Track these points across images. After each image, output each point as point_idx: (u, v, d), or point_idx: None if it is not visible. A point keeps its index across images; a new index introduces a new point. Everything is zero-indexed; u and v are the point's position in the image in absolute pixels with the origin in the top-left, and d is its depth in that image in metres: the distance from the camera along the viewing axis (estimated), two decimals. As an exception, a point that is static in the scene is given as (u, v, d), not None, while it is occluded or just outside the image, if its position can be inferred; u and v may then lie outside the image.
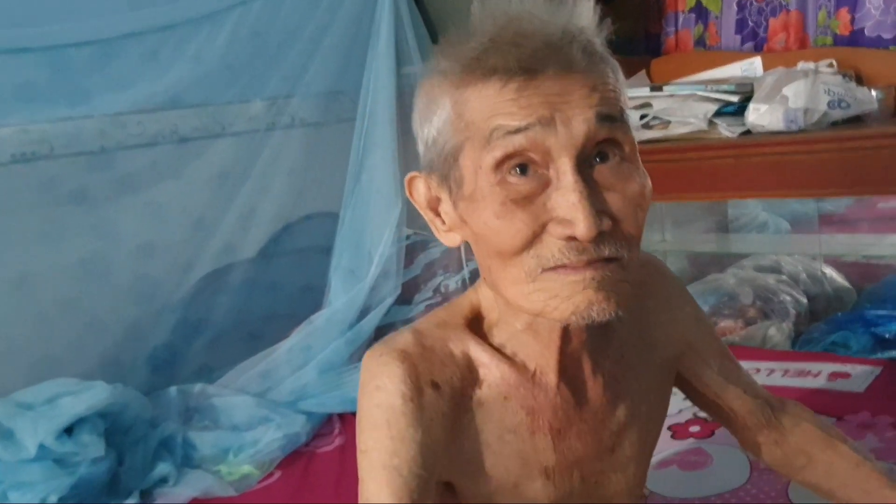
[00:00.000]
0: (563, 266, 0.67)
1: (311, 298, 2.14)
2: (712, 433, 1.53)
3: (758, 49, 2.27)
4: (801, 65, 2.01)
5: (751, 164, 1.88)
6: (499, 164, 0.67)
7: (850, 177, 1.78)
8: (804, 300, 2.13)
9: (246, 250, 2.17)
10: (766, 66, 2.10)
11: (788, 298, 2.10)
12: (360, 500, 0.74)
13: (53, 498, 1.44)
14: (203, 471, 1.63)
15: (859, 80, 1.99)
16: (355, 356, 1.98)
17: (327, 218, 2.27)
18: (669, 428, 1.57)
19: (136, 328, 1.94)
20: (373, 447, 0.73)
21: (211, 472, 1.63)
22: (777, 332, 2.00)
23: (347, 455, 1.71)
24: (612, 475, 0.86)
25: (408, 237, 2.24)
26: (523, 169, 0.67)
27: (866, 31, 2.06)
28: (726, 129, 1.91)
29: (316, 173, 2.28)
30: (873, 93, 1.93)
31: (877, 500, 0.98)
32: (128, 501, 1.54)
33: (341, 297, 2.07)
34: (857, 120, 1.89)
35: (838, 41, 2.11)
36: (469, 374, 0.78)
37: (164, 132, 2.02)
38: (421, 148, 0.76)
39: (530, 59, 0.66)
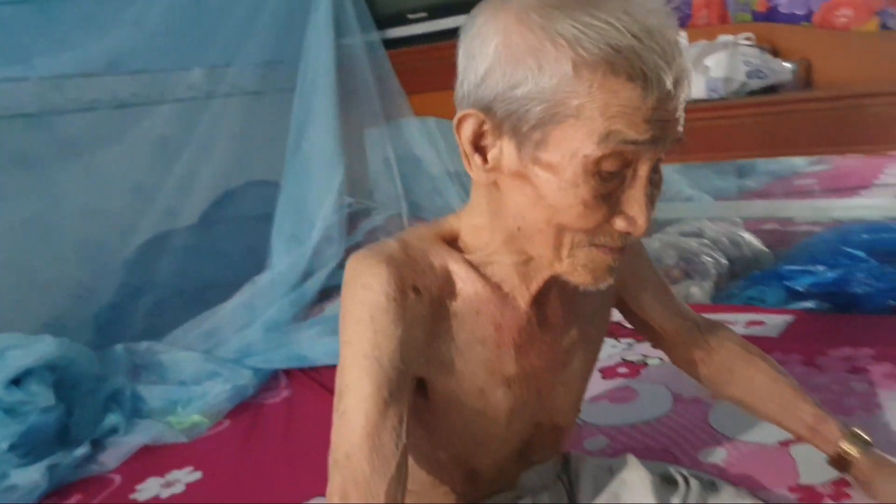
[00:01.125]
0: (603, 246, 0.77)
1: (254, 263, 2.18)
2: (638, 373, 1.63)
3: (683, 25, 2.37)
4: (721, 38, 2.11)
5: (675, 130, 1.99)
6: (600, 162, 0.71)
7: (766, 140, 1.91)
8: (724, 262, 2.26)
9: (187, 216, 2.19)
10: (691, 40, 2.20)
11: (710, 260, 2.22)
12: (338, 385, 0.79)
13: (4, 445, 1.46)
14: (153, 420, 1.66)
15: (775, 53, 2.10)
16: (299, 316, 2.03)
17: (268, 186, 2.30)
18: (600, 370, 1.67)
19: (79, 290, 1.95)
20: (356, 339, 0.78)
21: (161, 422, 1.66)
22: (699, 290, 2.12)
23: (295, 407, 1.76)
24: (561, 388, 0.95)
25: (350, 205, 2.29)
26: (613, 173, 0.73)
27: (781, 9, 2.18)
28: (652, 98, 2.01)
29: (256, 141, 2.31)
30: (787, 65, 2.04)
31: (791, 411, 1.09)
32: (79, 450, 1.56)
33: (284, 260, 2.11)
34: (772, 89, 2.00)
35: (756, 17, 2.22)
36: (447, 286, 0.84)
37: (104, 97, 2.04)
38: (479, 79, 0.74)
39: (675, 82, 0.69)
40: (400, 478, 0.76)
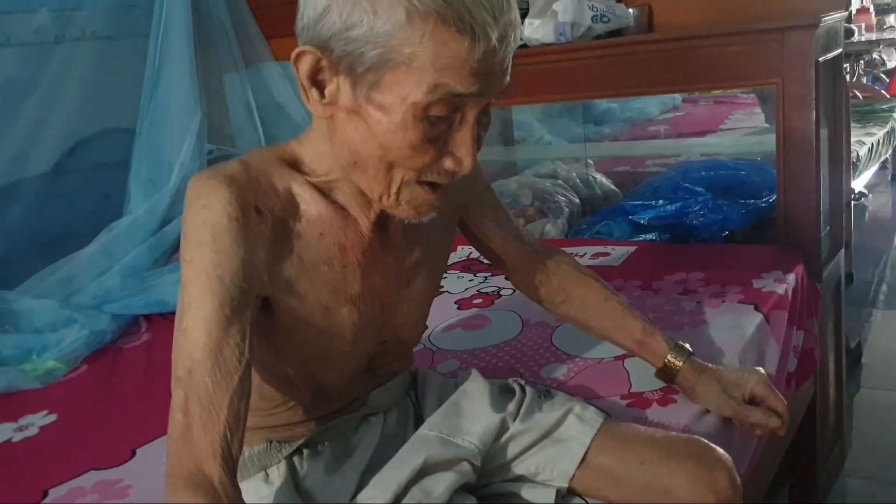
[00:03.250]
0: (429, 183, 0.82)
1: (110, 211, 2.13)
2: (492, 303, 1.72)
3: (533, -27, 2.45)
4: (569, -16, 2.20)
5: (527, 73, 2.05)
6: (429, 108, 0.76)
7: (611, 81, 2.01)
8: (577, 200, 2.37)
9: (38, 164, 2.11)
10: (540, -13, 2.28)
11: (563, 199, 2.33)
12: (179, 304, 0.80)
13: None
14: (5, 368, 1.62)
15: None
16: (159, 262, 2.01)
17: (123, 133, 2.24)
18: (455, 302, 1.74)
19: (-77, 238, 1.88)
20: (198, 259, 0.78)
21: (14, 369, 1.63)
22: (553, 228, 2.23)
23: (154, 350, 1.76)
24: (405, 306, 1.00)
25: (210, 151, 2.27)
26: (442, 117, 0.77)
27: (626, -42, 2.29)
28: (505, 42, 2.07)
29: (110, 88, 2.24)
30: (630, 10, 2.14)
31: (621, 326, 1.19)
32: (-77, 403, 1.52)
33: (141, 206, 2.07)
34: (616, 33, 2.10)
35: (601, -35, 2.32)
36: (290, 207, 0.86)
37: (-58, 39, 1.94)
38: (317, 15, 0.76)
39: (500, 37, 0.73)
40: (243, 392, 0.78)
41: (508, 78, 0.80)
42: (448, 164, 0.81)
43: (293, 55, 0.79)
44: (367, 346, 0.99)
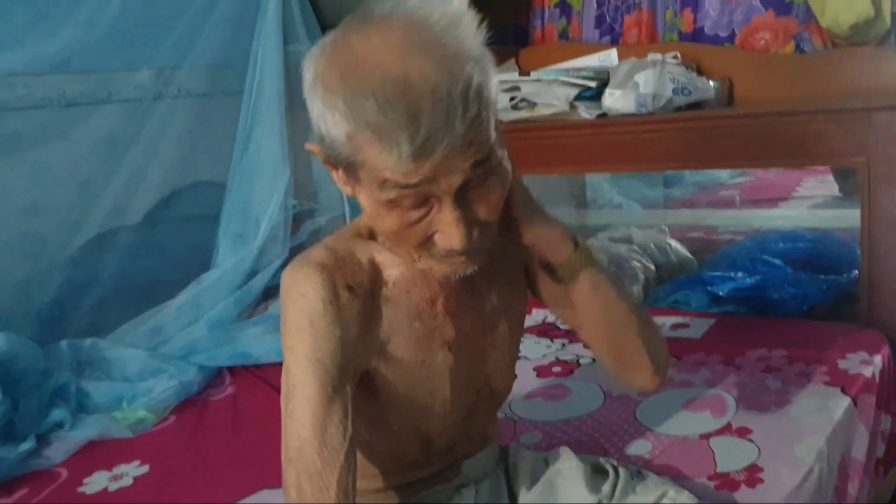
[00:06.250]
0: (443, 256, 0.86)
1: (199, 262, 2.20)
2: (571, 372, 1.73)
3: (614, 42, 2.49)
4: (650, 56, 2.22)
5: (606, 142, 2.10)
6: (394, 201, 0.80)
7: (690, 153, 2.02)
8: (652, 267, 2.38)
9: (134, 214, 2.20)
10: (621, 57, 2.30)
11: (638, 265, 2.34)
12: (284, 387, 0.86)
13: (-48, 438, 1.47)
14: (98, 415, 1.68)
15: (699, 71, 2.23)
16: (244, 314, 2.07)
17: (214, 187, 2.33)
18: (534, 369, 1.76)
19: (23, 285, 1.96)
20: (298, 344, 0.86)
21: (107, 417, 1.68)
22: (628, 294, 2.24)
23: (239, 403, 1.80)
24: (494, 351, 1.04)
25: (294, 206, 2.34)
26: (413, 205, 0.81)
27: (706, 30, 2.32)
28: (585, 111, 2.09)
29: (203, 143, 2.33)
30: (711, 83, 2.17)
31: None
32: (24, 445, 1.58)
33: (230, 259, 2.14)
34: (696, 105, 2.12)
35: (683, 37, 2.35)
36: (376, 276, 0.92)
37: (52, 95, 2.04)
38: (312, 121, 0.82)
39: (423, 144, 0.75)
40: (349, 466, 0.84)
41: (476, 156, 0.79)
42: (440, 240, 0.83)
43: (306, 146, 0.88)
44: (464, 395, 1.02)
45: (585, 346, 1.25)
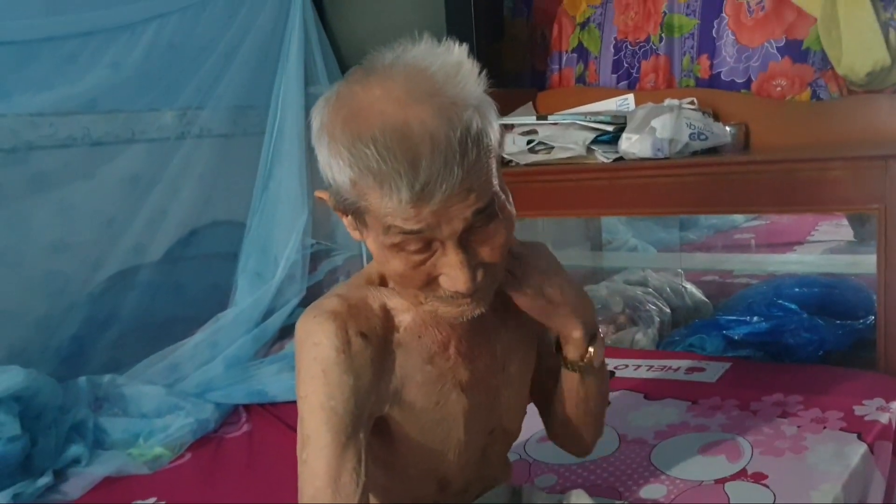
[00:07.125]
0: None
1: (217, 300, 2.22)
2: (587, 415, 1.73)
3: (631, 87, 2.52)
4: (667, 101, 2.24)
5: (622, 186, 2.11)
6: (398, 245, 0.82)
7: (706, 198, 2.03)
8: (667, 310, 2.38)
9: (154, 252, 2.23)
10: (638, 102, 2.33)
11: (654, 308, 2.35)
12: (299, 436, 0.89)
13: (-29, 473, 1.48)
14: (115, 451, 1.69)
15: (716, 117, 2.25)
16: (261, 352, 2.09)
17: (234, 226, 2.36)
18: (550, 412, 1.76)
19: (44, 321, 1.98)
20: (312, 393, 0.88)
21: (123, 454, 1.70)
22: (643, 337, 2.24)
23: (255, 441, 1.81)
24: (506, 390, 1.05)
25: (312, 245, 2.37)
26: (418, 249, 0.83)
27: (723, 76, 2.34)
28: (602, 155, 2.11)
29: (224, 182, 2.37)
30: (727, 128, 2.19)
31: None
32: (41, 480, 1.59)
33: (247, 297, 2.16)
34: (713, 150, 2.14)
35: (699, 83, 2.38)
36: (388, 321, 0.94)
37: (78, 135, 2.09)
38: (321, 169, 0.85)
39: (422, 190, 0.77)
40: None
41: (477, 205, 0.81)
42: (445, 283, 0.85)
43: (316, 195, 0.92)
44: (478, 436, 1.03)
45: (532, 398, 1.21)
